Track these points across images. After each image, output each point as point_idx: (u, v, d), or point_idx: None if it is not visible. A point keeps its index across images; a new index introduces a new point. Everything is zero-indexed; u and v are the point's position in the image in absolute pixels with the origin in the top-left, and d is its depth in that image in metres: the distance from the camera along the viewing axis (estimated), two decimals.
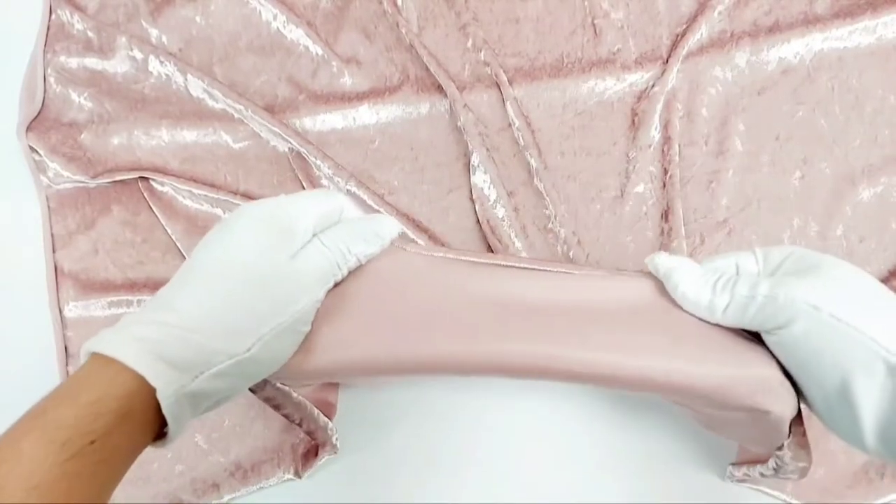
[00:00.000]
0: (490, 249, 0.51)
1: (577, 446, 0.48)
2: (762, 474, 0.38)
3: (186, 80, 0.55)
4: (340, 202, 0.37)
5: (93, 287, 0.52)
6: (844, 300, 0.31)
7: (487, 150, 0.52)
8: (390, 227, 0.37)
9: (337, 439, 0.45)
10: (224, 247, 0.32)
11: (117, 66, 0.56)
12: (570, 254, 0.49)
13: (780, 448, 0.35)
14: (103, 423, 0.27)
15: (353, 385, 0.49)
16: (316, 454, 0.47)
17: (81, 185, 0.54)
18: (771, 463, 0.37)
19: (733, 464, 0.44)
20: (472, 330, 0.34)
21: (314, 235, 0.35)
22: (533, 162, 0.51)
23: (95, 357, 0.29)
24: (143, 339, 0.29)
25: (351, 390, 0.49)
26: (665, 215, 0.50)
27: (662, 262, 0.37)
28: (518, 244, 0.50)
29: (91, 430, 0.26)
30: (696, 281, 0.35)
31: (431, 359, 0.34)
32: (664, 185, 0.51)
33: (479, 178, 0.51)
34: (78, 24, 0.56)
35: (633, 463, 0.47)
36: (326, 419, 0.44)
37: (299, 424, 0.42)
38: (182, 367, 0.29)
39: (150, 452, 0.30)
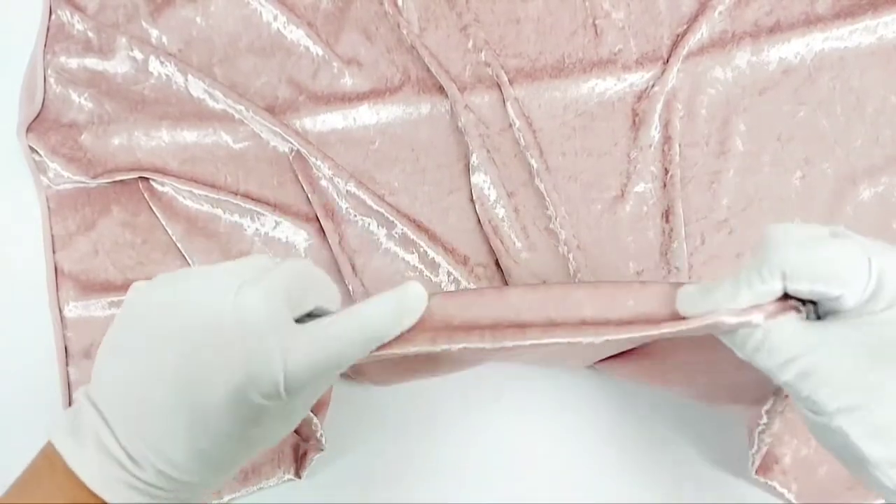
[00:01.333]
0: (491, 250, 0.51)
1: (578, 449, 0.48)
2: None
3: (187, 80, 0.55)
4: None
5: (93, 288, 0.52)
6: None
7: (488, 151, 0.52)
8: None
9: (322, 435, 0.45)
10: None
11: (117, 66, 0.56)
12: (570, 256, 0.49)
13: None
14: None
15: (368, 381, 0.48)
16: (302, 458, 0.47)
17: (81, 185, 0.54)
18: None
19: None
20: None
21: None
22: (534, 162, 0.51)
23: (50, 453, 0.28)
24: (109, 457, 0.27)
25: (351, 390, 0.49)
26: (666, 215, 0.50)
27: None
28: (518, 244, 0.50)
29: None
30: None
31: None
32: (665, 185, 0.51)
33: (480, 179, 0.51)
34: (78, 24, 0.56)
35: (635, 465, 0.47)
36: (311, 414, 0.43)
37: None
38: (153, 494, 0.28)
39: None
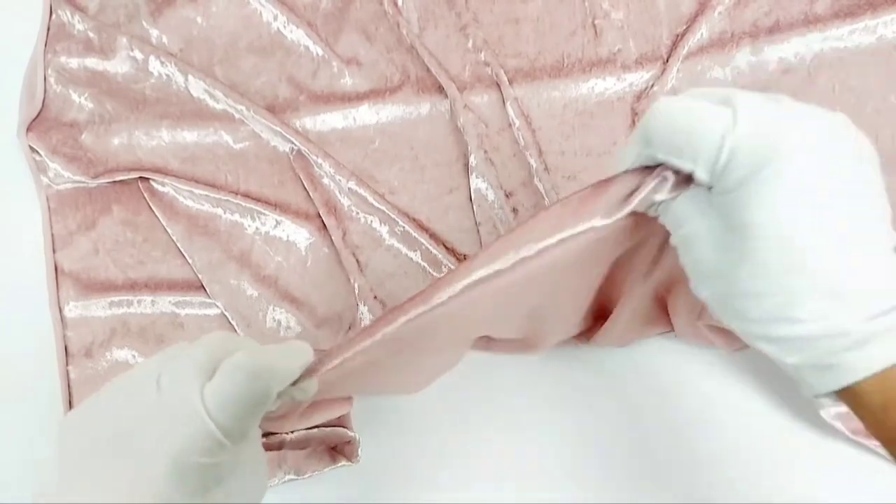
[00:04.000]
0: None
1: (579, 454, 0.48)
2: None
3: (187, 80, 0.55)
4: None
5: (93, 287, 0.52)
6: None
7: (486, 151, 0.52)
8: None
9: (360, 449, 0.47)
10: None
11: (118, 66, 0.56)
12: None
13: None
14: None
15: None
16: (332, 454, 0.47)
17: (82, 185, 0.54)
18: None
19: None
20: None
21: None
22: (533, 162, 0.51)
23: None
24: None
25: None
26: None
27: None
28: None
29: None
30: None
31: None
32: None
33: (478, 180, 0.51)
34: (78, 24, 0.56)
35: (636, 463, 0.47)
36: (351, 434, 0.46)
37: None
38: None
39: None
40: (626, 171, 0.30)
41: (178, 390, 0.28)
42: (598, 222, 0.30)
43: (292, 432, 0.46)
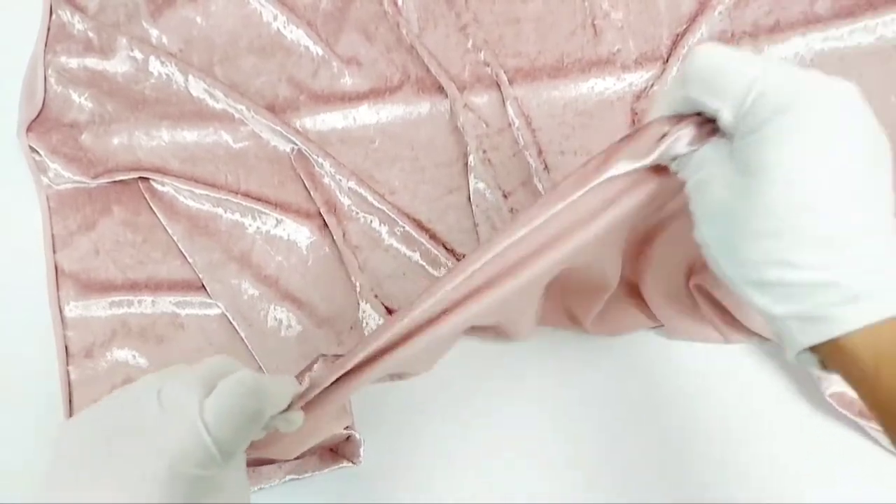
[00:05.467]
0: None
1: (580, 455, 0.48)
2: None
3: (187, 80, 0.55)
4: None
5: (93, 287, 0.52)
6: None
7: (484, 151, 0.52)
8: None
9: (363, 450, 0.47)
10: None
11: (118, 66, 0.56)
12: None
13: None
14: None
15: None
16: (333, 455, 0.48)
17: (82, 185, 0.54)
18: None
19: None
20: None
21: None
22: (532, 162, 0.51)
23: None
24: None
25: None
26: None
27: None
28: None
29: None
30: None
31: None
32: None
33: (477, 181, 0.51)
34: (78, 24, 0.56)
35: (641, 461, 0.47)
36: (357, 436, 0.46)
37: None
38: None
39: None
40: (656, 120, 0.31)
41: (178, 403, 0.29)
42: (625, 167, 0.32)
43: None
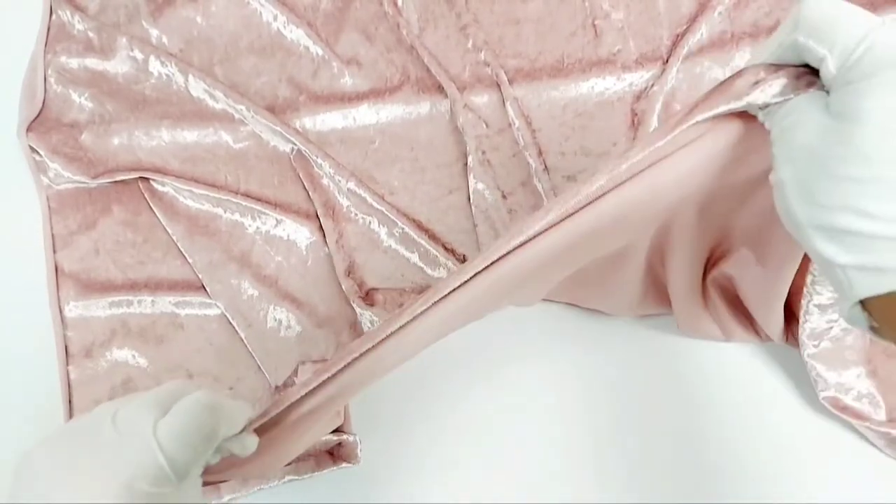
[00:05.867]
0: None
1: (582, 455, 0.48)
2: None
3: (187, 80, 0.55)
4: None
5: (93, 287, 0.52)
6: None
7: (483, 151, 0.52)
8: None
9: (361, 450, 0.47)
10: None
11: (118, 66, 0.56)
12: None
13: None
14: None
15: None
16: (332, 456, 0.48)
17: (82, 185, 0.54)
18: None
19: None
20: None
21: None
22: (532, 162, 0.51)
23: None
24: None
25: None
26: None
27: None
28: None
29: None
30: None
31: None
32: None
33: (476, 182, 0.51)
34: (78, 24, 0.56)
35: (641, 458, 0.47)
36: (351, 439, 0.46)
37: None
38: None
39: None
40: (751, 66, 0.31)
41: (132, 423, 0.30)
42: (729, 106, 0.31)
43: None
